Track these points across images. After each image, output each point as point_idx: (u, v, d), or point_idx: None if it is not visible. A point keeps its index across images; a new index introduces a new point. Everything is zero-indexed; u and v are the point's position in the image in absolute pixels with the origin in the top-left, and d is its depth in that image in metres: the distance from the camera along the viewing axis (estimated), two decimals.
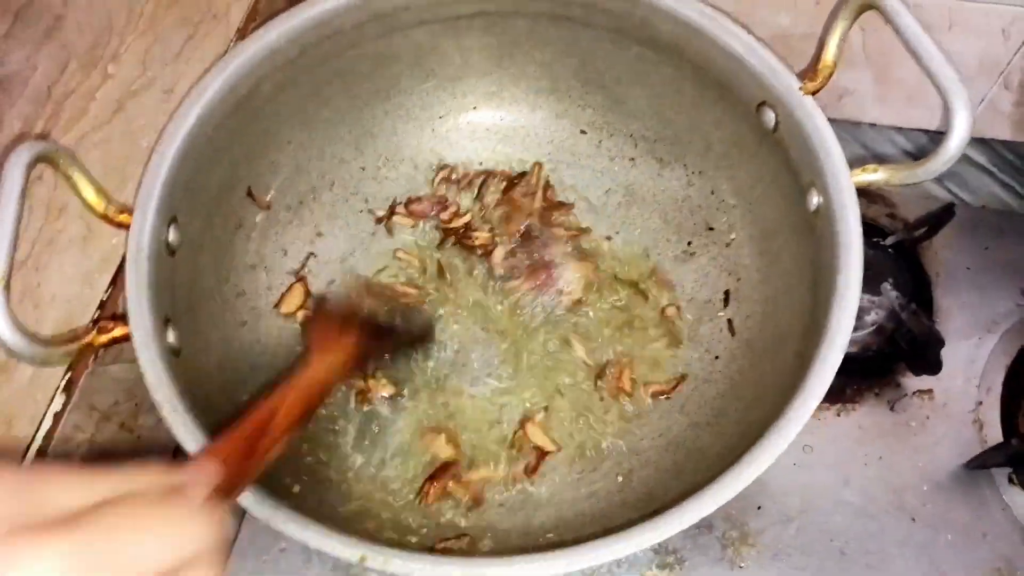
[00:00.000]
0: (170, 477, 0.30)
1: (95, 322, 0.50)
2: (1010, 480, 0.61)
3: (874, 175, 0.48)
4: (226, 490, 0.33)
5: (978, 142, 0.77)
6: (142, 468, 0.29)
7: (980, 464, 0.61)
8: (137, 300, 0.45)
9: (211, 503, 0.30)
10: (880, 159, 0.77)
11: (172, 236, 0.50)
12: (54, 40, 0.65)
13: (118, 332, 0.46)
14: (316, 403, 0.46)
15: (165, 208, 0.49)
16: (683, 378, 0.58)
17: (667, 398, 0.58)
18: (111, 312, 0.53)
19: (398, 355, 0.60)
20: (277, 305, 0.60)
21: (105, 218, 0.49)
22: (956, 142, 0.44)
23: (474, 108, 0.67)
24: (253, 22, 0.66)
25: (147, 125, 0.60)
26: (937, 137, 0.47)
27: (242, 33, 0.65)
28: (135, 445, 0.59)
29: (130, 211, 0.49)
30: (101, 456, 0.55)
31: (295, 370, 0.46)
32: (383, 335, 0.57)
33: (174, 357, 0.47)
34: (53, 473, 0.27)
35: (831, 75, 0.51)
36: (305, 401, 0.44)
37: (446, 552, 0.47)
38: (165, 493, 0.28)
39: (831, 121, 0.78)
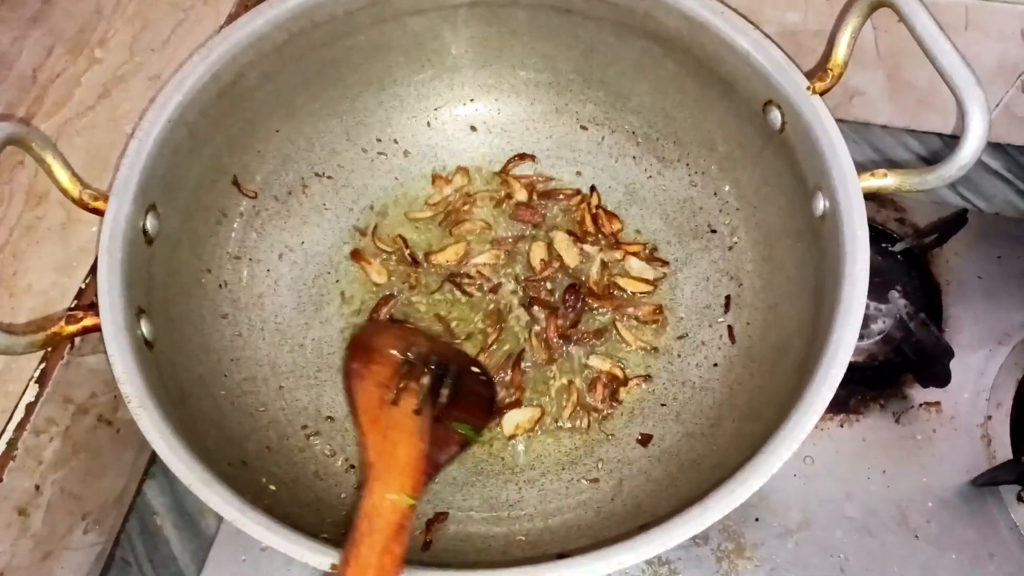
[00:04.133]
0: None
1: (68, 310, 0.48)
2: (1019, 498, 0.59)
3: (883, 180, 0.46)
4: None
5: (993, 147, 0.75)
6: None
7: (989, 481, 0.59)
8: (108, 289, 0.44)
9: None
10: (891, 162, 0.74)
11: (150, 224, 0.48)
12: (41, 24, 0.63)
13: (88, 322, 0.44)
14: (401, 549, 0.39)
15: (143, 195, 0.47)
16: (647, 377, 0.57)
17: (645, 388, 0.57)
18: (90, 301, 0.52)
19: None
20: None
21: (80, 203, 0.47)
22: (971, 147, 0.42)
23: (471, 100, 0.65)
24: (245, 8, 0.64)
25: (132, 111, 0.59)
26: (951, 142, 0.45)
27: (234, 19, 0.63)
28: (114, 439, 0.57)
29: (105, 197, 0.47)
30: (76, 449, 0.54)
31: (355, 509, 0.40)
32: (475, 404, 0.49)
33: (147, 349, 0.45)
34: None
35: (841, 75, 0.49)
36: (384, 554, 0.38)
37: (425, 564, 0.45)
38: None
39: (841, 122, 0.75)
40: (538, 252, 0.61)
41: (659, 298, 0.60)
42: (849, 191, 0.45)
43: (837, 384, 0.41)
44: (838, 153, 0.47)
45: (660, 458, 0.53)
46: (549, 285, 0.61)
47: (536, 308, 0.59)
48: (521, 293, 0.60)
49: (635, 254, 0.61)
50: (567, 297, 0.59)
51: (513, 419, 0.56)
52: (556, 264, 0.61)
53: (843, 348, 0.41)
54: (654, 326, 0.59)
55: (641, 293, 0.60)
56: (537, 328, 0.59)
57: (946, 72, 0.42)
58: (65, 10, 0.64)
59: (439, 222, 0.63)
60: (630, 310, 0.59)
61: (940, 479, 0.60)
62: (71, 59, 0.62)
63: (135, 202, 0.46)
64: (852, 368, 0.61)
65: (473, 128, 0.65)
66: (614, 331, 0.59)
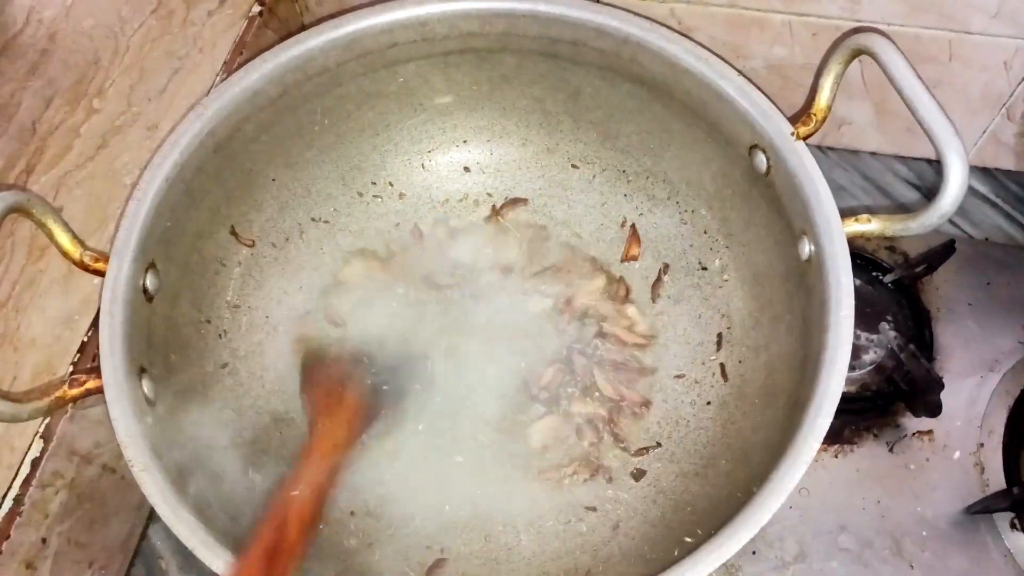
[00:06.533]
0: None
1: (72, 372, 0.49)
2: (1012, 526, 0.60)
3: (867, 225, 0.47)
4: None
5: (982, 172, 0.76)
6: None
7: (982, 509, 0.59)
8: (110, 352, 0.45)
9: None
10: (879, 188, 0.75)
11: (150, 282, 0.49)
12: (39, 76, 0.64)
13: (91, 384, 0.45)
14: (330, 486, 0.45)
15: (142, 255, 0.48)
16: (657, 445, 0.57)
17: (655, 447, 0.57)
18: (92, 354, 0.53)
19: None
20: None
21: (81, 265, 0.48)
22: (951, 196, 0.43)
23: (464, 142, 0.66)
24: (240, 55, 0.65)
25: (131, 162, 0.60)
26: (940, 167, 0.45)
27: (228, 67, 0.64)
28: (119, 485, 0.58)
29: (106, 258, 0.48)
30: (81, 499, 0.55)
31: (299, 452, 0.45)
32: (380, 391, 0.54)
33: (150, 408, 0.46)
34: None
35: (825, 119, 0.50)
36: (318, 488, 0.44)
37: None
38: None
39: (830, 150, 0.78)
40: None
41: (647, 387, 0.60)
42: (833, 237, 0.46)
43: (824, 433, 0.42)
44: (822, 199, 0.47)
45: (656, 499, 0.54)
46: None
47: None
48: None
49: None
50: None
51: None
52: None
53: (829, 398, 0.42)
54: (635, 417, 0.59)
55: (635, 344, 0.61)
56: None
57: (925, 122, 0.43)
58: (63, 61, 0.65)
59: None
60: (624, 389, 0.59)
61: (934, 508, 0.60)
62: (70, 110, 0.63)
63: (135, 262, 0.47)
64: (845, 399, 0.62)
65: (467, 169, 0.66)
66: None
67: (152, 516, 0.63)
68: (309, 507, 0.43)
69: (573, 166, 0.65)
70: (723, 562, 0.40)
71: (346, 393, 0.51)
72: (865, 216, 0.47)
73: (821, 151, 0.77)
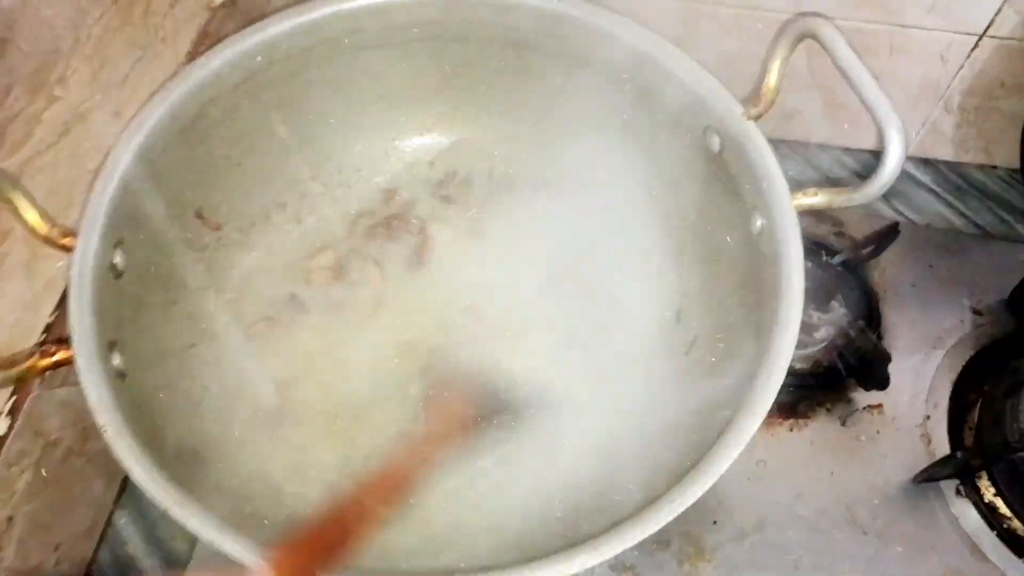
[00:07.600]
0: None
1: (39, 345, 0.49)
2: (957, 492, 0.63)
3: (814, 199, 0.49)
4: None
5: (922, 163, 0.80)
6: None
7: (928, 477, 0.62)
8: (80, 322, 0.45)
9: None
10: (828, 178, 0.79)
11: (119, 259, 0.49)
12: None
13: (61, 355, 0.45)
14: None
15: (110, 231, 0.49)
16: None
17: None
18: (57, 336, 0.53)
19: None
20: None
21: (49, 241, 0.48)
22: (890, 167, 0.45)
23: (429, 129, 0.67)
24: (203, 46, 0.65)
25: (94, 148, 0.60)
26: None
27: (192, 56, 0.64)
28: (84, 471, 0.58)
29: (74, 234, 0.48)
30: (47, 482, 0.54)
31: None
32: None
33: (119, 380, 0.46)
34: None
35: (774, 101, 0.52)
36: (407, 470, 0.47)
37: None
38: None
39: (781, 142, 0.81)
40: None
41: None
42: (783, 210, 0.49)
43: (778, 387, 0.44)
44: (772, 175, 0.50)
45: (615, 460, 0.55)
46: None
47: None
48: None
49: None
50: None
51: None
52: None
53: (783, 354, 0.44)
54: None
55: None
56: None
57: (866, 99, 0.46)
58: (22, 50, 0.65)
59: None
60: None
61: (884, 477, 0.63)
62: (30, 98, 0.62)
63: (103, 239, 0.48)
64: (799, 374, 0.66)
65: (432, 157, 0.67)
66: None
67: (118, 502, 0.62)
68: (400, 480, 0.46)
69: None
70: (675, 516, 0.41)
71: (468, 410, 0.56)
72: (812, 190, 0.50)
73: (772, 143, 0.80)
